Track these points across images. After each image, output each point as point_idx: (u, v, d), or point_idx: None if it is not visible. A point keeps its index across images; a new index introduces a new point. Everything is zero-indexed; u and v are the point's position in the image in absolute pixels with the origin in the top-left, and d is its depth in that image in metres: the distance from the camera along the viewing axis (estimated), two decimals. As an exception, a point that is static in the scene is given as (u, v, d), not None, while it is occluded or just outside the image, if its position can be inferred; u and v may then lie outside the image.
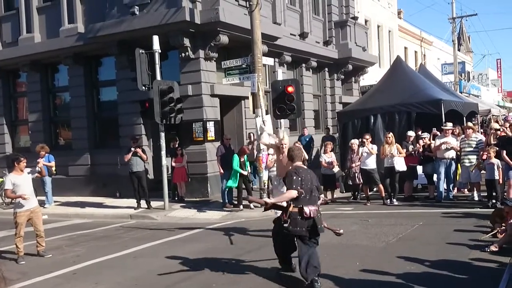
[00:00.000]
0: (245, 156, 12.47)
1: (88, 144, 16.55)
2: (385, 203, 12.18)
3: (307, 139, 17.40)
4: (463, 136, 12.49)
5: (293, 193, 5.68)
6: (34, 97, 17.64)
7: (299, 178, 5.74)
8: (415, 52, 37.14)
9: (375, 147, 12.47)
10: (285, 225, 5.69)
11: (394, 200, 12.29)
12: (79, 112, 16.56)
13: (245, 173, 12.32)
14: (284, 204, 5.84)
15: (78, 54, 16.11)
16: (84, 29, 15.53)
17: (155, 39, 12.36)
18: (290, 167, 6.09)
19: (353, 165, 12.71)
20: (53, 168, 14.10)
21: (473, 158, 11.69)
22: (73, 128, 17.02)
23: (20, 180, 8.17)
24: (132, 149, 13.03)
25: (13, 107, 19.05)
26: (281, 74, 15.24)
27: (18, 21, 17.35)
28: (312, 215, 5.65)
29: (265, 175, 12.27)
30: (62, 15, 16.16)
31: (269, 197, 9.77)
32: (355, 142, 12.95)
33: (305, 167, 6.10)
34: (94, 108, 16.92)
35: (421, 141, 12.97)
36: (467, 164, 11.81)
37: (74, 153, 16.59)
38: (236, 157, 12.22)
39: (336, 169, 13.13)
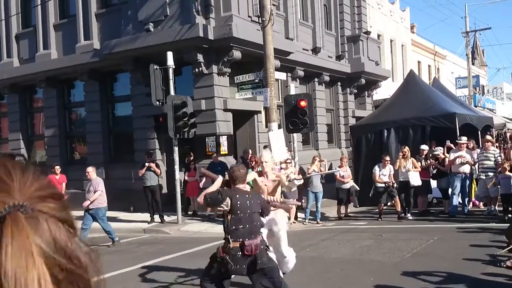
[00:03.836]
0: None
1: (103, 159, 16.69)
2: (401, 217, 12.05)
3: (219, 168, 12.91)
4: (478, 150, 12.38)
5: (220, 179, 5.37)
6: (50, 113, 17.91)
7: (227, 198, 4.90)
8: (429, 66, 37.01)
9: (392, 168, 12.32)
10: (229, 266, 4.83)
11: (409, 214, 12.18)
12: (95, 127, 16.76)
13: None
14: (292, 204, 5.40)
15: (93, 70, 16.35)
16: (100, 46, 15.78)
17: (169, 55, 12.52)
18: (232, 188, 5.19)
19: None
20: None
21: (491, 172, 11.55)
22: (88, 142, 17.21)
23: None
24: (146, 164, 13.15)
25: (30, 122, 19.35)
26: (294, 88, 15.31)
27: (35, 38, 17.71)
28: (254, 252, 4.83)
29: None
30: (78, 32, 16.46)
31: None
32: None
33: (247, 190, 5.22)
34: (109, 123, 17.12)
35: (430, 155, 12.86)
36: (484, 178, 11.66)
37: (89, 167, 16.74)
38: (250, 171, 12.18)
39: (350, 183, 13.07)
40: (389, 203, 12.84)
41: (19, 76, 17.80)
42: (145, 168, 13.13)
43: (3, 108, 20.01)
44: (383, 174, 12.20)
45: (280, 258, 6.40)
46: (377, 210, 12.66)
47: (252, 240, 4.83)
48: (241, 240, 4.80)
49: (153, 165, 13.22)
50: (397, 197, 12.22)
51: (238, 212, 4.85)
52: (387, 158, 12.33)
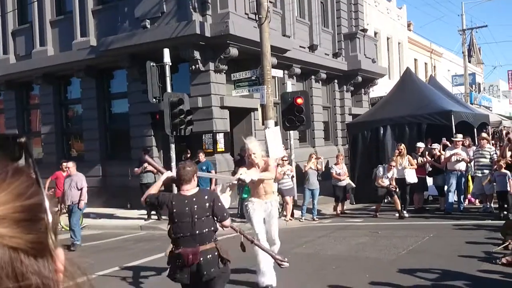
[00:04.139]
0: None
1: (99, 156, 16.70)
2: (401, 216, 11.94)
3: (203, 167, 12.87)
4: (474, 147, 12.43)
5: (165, 175, 4.81)
6: (46, 110, 17.88)
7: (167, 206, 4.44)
8: (425, 63, 37.06)
9: (395, 172, 12.29)
10: (172, 273, 4.48)
11: (405, 212, 12.21)
12: (91, 124, 16.74)
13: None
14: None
15: (90, 67, 16.31)
16: (96, 42, 15.74)
17: (166, 52, 12.50)
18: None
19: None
20: None
21: (487, 170, 11.60)
22: (85, 140, 17.20)
23: None
24: (144, 165, 13.15)
25: (26, 119, 19.31)
26: (291, 86, 15.33)
27: (32, 35, 17.64)
28: (193, 261, 4.31)
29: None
30: (75, 28, 16.41)
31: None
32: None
33: (189, 194, 4.42)
34: (105, 120, 17.10)
35: (426, 153, 12.90)
36: (480, 175, 11.71)
37: (86, 164, 16.69)
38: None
39: (346, 180, 13.10)
40: (385, 200, 12.88)
41: (16, 73, 17.75)
42: (141, 168, 13.15)
43: (-1, 105, 19.98)
44: (386, 177, 12.17)
45: (271, 244, 6.69)
46: (374, 207, 12.70)
47: (193, 248, 4.31)
48: (181, 247, 4.37)
49: (150, 167, 13.21)
50: (396, 196, 12.19)
51: (176, 220, 4.38)
52: (393, 163, 12.25)
